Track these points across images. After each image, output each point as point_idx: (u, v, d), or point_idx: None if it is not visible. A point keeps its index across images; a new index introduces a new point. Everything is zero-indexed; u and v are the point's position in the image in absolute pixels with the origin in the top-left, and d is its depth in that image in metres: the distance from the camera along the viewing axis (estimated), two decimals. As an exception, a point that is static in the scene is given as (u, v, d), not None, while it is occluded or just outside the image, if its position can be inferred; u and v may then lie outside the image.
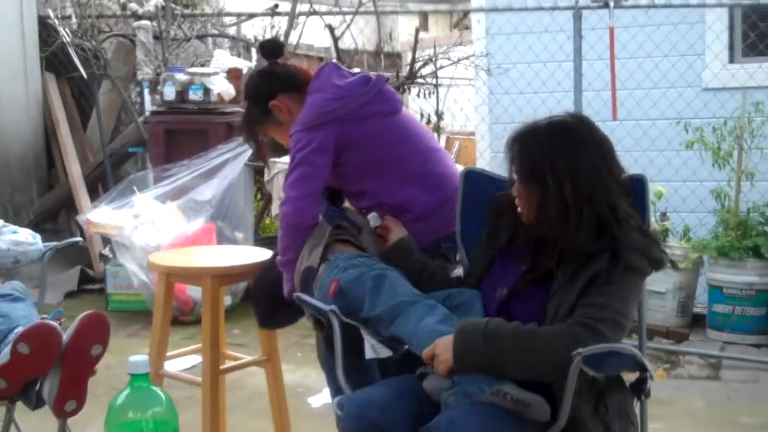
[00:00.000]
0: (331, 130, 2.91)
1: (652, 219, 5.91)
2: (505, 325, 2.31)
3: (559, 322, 2.30)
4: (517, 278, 2.50)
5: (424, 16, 13.12)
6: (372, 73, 3.18)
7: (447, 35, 10.50)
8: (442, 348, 2.31)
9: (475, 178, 2.85)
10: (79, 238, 3.59)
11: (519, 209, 2.47)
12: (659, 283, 5.71)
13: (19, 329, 2.78)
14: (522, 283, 2.48)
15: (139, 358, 1.95)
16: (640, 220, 2.47)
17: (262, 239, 6.81)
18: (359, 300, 2.57)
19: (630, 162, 6.88)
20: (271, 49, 3.21)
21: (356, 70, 3.58)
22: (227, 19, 8.48)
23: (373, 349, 2.50)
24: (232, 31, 8.56)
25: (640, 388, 2.48)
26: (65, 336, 2.67)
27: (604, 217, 2.35)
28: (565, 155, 2.34)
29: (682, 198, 6.57)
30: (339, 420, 2.37)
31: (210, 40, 8.40)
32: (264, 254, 3.46)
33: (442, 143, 9.04)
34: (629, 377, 2.47)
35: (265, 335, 3.48)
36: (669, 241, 5.90)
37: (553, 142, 2.36)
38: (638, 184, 2.58)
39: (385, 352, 2.52)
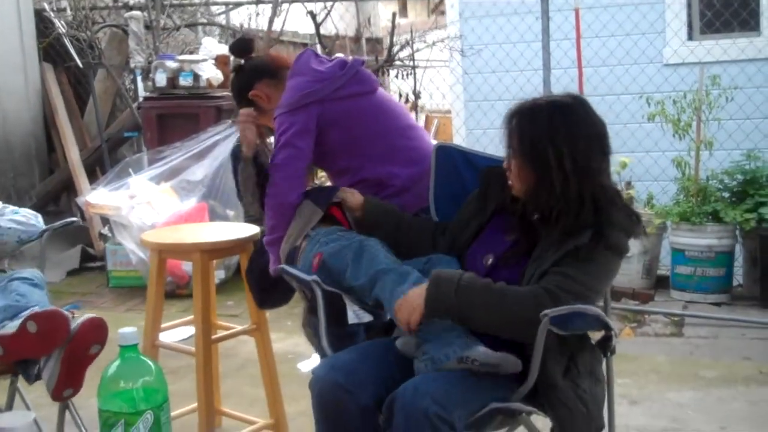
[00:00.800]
0: (312, 111, 2.87)
1: (618, 188, 5.93)
2: (478, 279, 2.29)
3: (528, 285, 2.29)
4: (503, 248, 2.47)
5: (402, 2, 13.06)
6: (348, 57, 3.15)
7: (425, 20, 10.46)
8: (415, 296, 2.30)
9: (446, 152, 2.83)
10: (75, 218, 3.55)
11: (510, 182, 2.42)
12: (625, 247, 5.72)
13: (36, 309, 2.78)
14: (509, 254, 2.45)
15: (128, 330, 1.93)
16: (623, 198, 2.45)
17: (251, 216, 6.77)
18: (342, 271, 2.55)
19: (596, 135, 6.95)
20: (240, 47, 3.18)
21: (339, 55, 3.54)
22: (215, 8, 8.41)
23: (355, 314, 2.50)
24: (220, 19, 8.49)
25: (605, 346, 2.50)
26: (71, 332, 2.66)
27: (597, 195, 2.32)
28: (566, 133, 2.30)
29: (646, 167, 6.57)
30: (310, 383, 2.36)
31: (200, 28, 8.33)
32: (251, 229, 3.43)
33: (421, 122, 9.01)
34: (595, 336, 2.47)
35: (254, 306, 3.45)
36: (634, 208, 5.89)
37: (555, 120, 2.31)
38: None
39: (367, 317, 2.51)
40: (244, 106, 3.07)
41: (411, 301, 2.31)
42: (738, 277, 5.77)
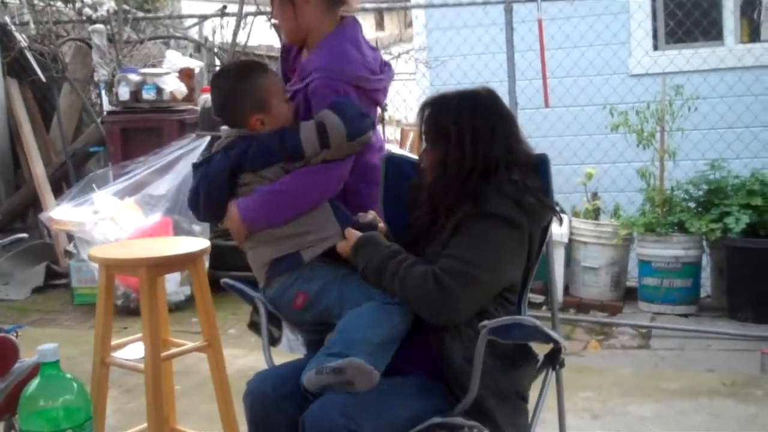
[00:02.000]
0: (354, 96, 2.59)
1: (584, 199, 5.91)
2: (398, 252, 2.34)
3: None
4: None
5: (379, 15, 13.02)
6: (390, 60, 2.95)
7: (402, 33, 10.43)
8: (351, 235, 2.42)
9: (395, 162, 2.76)
10: (23, 234, 3.48)
11: (425, 174, 2.45)
12: (593, 259, 5.70)
13: None
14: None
15: (48, 347, 1.84)
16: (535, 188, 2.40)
17: (220, 231, 6.68)
18: (328, 309, 2.43)
19: (562, 146, 6.98)
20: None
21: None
22: (180, 21, 8.34)
23: (288, 344, 2.54)
24: (191, 33, 8.42)
25: (555, 359, 2.46)
26: None
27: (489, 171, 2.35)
28: (468, 115, 2.37)
29: (612, 178, 6.55)
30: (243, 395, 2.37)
31: (170, 40, 8.26)
32: (200, 244, 3.35)
33: (396, 135, 8.95)
34: (545, 349, 2.43)
35: (206, 322, 3.36)
36: (601, 219, 5.87)
37: (460, 105, 2.40)
38: (543, 164, 2.54)
39: (299, 351, 2.54)
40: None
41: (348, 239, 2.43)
42: (707, 288, 5.74)
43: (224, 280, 2.58)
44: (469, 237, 2.26)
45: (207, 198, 2.57)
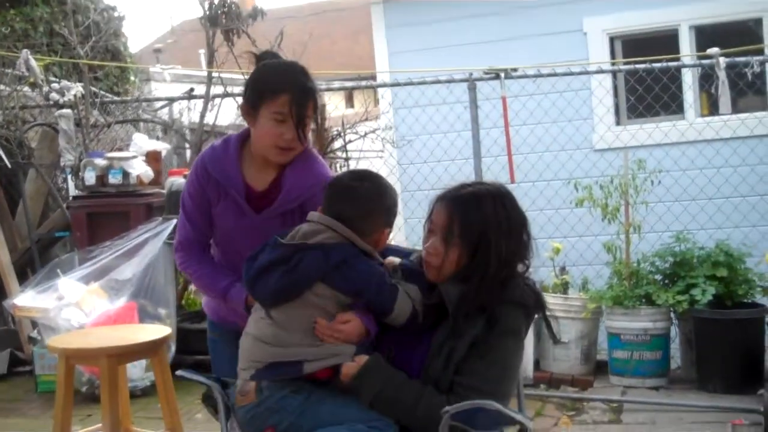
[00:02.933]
0: None
1: (552, 273, 5.93)
2: (406, 381, 2.31)
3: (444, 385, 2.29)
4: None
5: (349, 93, 13.16)
6: None
7: (370, 110, 10.54)
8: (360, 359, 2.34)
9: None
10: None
11: (432, 265, 2.42)
12: (562, 333, 5.68)
13: None
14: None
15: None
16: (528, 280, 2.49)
17: (186, 314, 6.63)
18: None
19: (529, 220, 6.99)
20: None
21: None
22: (146, 104, 8.39)
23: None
24: (161, 115, 8.46)
25: (521, 439, 2.44)
26: None
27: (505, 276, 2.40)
28: (506, 220, 2.40)
29: (580, 252, 6.58)
30: None
31: (141, 123, 8.29)
32: (161, 331, 3.32)
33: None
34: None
35: (167, 410, 3.32)
36: (569, 293, 5.88)
37: (496, 208, 2.40)
38: None
39: None
40: None
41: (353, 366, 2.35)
42: (677, 359, 5.74)
43: (180, 372, 2.55)
44: (489, 365, 2.31)
45: (289, 287, 2.38)
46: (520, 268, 2.43)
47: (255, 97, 2.70)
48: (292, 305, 2.38)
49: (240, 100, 6.99)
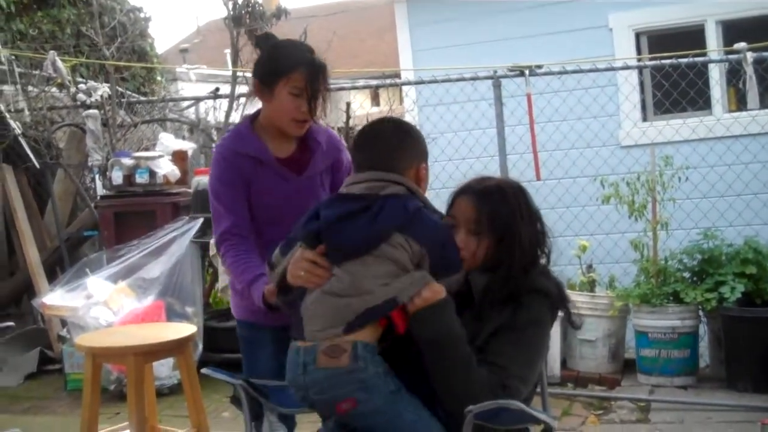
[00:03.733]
0: None
1: (579, 271, 5.89)
2: (465, 344, 2.29)
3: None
4: None
5: (374, 91, 13.16)
6: None
7: (396, 108, 10.54)
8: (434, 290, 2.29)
9: None
10: (9, 323, 3.44)
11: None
12: (589, 332, 5.65)
13: None
14: None
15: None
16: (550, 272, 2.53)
17: (214, 312, 6.66)
18: (369, 428, 2.31)
19: (555, 218, 6.92)
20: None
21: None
22: (173, 104, 8.44)
23: (270, 426, 2.49)
24: (188, 114, 8.50)
25: (546, 439, 2.44)
26: None
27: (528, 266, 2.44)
28: (527, 210, 2.47)
29: (607, 250, 6.53)
30: None
31: (167, 123, 8.34)
32: (188, 329, 3.33)
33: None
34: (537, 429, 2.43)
35: (193, 408, 3.32)
36: (596, 291, 5.84)
37: (519, 201, 2.46)
38: None
39: (281, 431, 2.49)
40: None
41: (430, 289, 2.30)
42: (706, 358, 5.69)
43: (205, 369, 2.55)
44: (516, 348, 2.33)
45: (374, 234, 2.30)
46: (541, 258, 2.49)
47: (271, 75, 2.86)
48: (366, 259, 2.28)
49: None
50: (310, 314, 2.30)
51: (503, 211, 2.42)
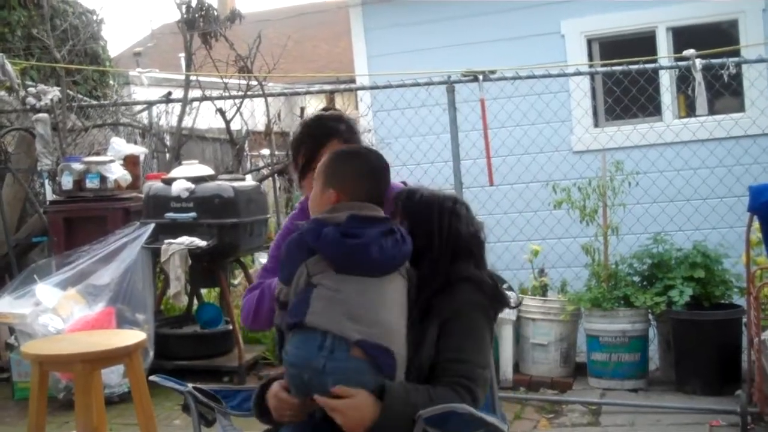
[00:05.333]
0: None
1: (531, 276, 5.94)
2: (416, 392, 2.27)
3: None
4: None
5: (330, 96, 13.17)
6: None
7: (352, 112, 10.54)
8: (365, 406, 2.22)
9: None
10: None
11: None
12: (541, 336, 5.70)
13: None
14: None
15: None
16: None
17: (165, 319, 6.61)
18: None
19: (507, 223, 7.04)
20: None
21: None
22: (125, 108, 8.36)
23: (222, 429, 2.46)
24: (140, 119, 8.43)
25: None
26: None
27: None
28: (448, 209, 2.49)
29: (559, 254, 6.59)
30: None
31: (120, 127, 8.25)
32: (137, 336, 3.30)
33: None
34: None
35: (142, 416, 3.30)
36: (548, 295, 5.90)
37: (438, 200, 2.49)
38: None
39: None
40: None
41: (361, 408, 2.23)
42: (656, 361, 5.76)
43: (153, 377, 2.54)
44: (461, 338, 2.35)
45: (402, 256, 2.37)
46: (472, 253, 2.49)
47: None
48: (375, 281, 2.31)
49: (218, 103, 6.99)
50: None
51: (417, 200, 2.47)
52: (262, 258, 6.99)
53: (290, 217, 2.92)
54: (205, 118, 7.62)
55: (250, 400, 2.48)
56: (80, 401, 3.10)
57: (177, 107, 7.39)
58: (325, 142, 2.70)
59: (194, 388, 2.54)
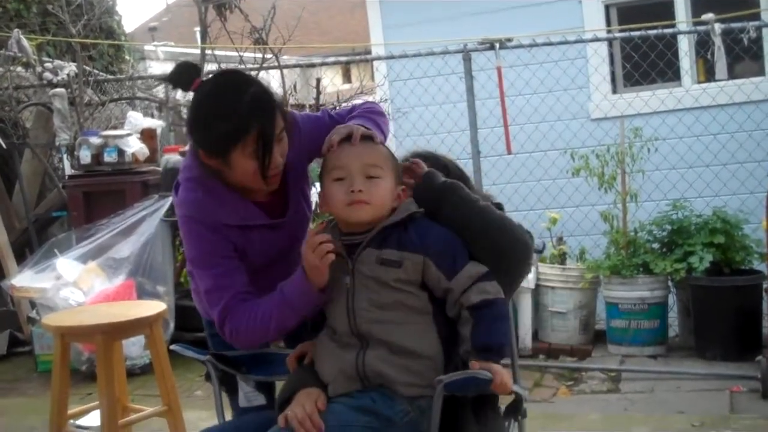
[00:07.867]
0: None
1: (550, 244, 5.92)
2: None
3: None
4: None
5: (345, 68, 13.12)
6: None
7: (366, 84, 10.52)
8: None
9: None
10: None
11: None
12: (560, 303, 5.70)
13: None
14: None
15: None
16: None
17: (185, 291, 6.64)
18: None
19: (526, 191, 7.02)
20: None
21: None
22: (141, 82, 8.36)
23: (246, 397, 2.47)
24: (156, 93, 8.43)
25: (516, 409, 2.44)
26: None
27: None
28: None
29: (577, 222, 6.57)
30: None
31: (136, 101, 8.26)
32: (156, 307, 3.32)
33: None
34: (506, 399, 2.40)
35: (164, 386, 3.33)
36: (567, 263, 5.89)
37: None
38: None
39: (258, 400, 2.46)
40: None
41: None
42: (675, 327, 5.75)
43: (173, 346, 2.54)
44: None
45: None
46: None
47: (219, 148, 2.27)
48: None
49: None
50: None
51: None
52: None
53: None
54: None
55: (272, 364, 2.48)
56: (102, 372, 3.13)
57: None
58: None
59: (213, 355, 2.54)
